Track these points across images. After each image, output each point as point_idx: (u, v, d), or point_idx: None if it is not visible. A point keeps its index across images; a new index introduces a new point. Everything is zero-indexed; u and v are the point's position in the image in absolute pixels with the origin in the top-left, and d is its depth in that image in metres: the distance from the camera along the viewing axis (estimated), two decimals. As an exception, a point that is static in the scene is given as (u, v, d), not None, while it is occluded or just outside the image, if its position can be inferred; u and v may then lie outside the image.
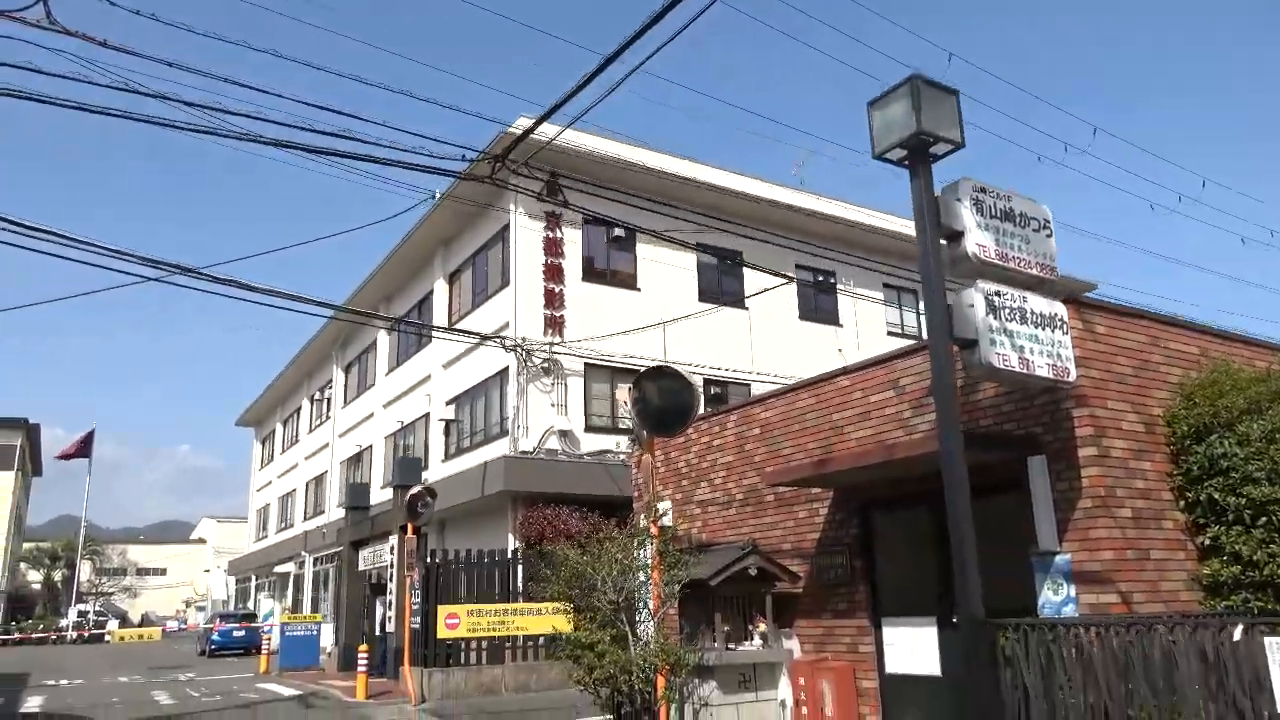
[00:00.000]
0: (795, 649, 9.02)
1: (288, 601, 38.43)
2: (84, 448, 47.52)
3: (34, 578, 65.26)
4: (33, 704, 15.83)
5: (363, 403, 32.99)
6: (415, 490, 15.46)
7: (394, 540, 16.91)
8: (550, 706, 13.49)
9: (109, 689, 18.61)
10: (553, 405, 21.63)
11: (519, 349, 21.20)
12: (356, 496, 20.23)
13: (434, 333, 24.87)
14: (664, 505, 11.47)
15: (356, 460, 33.24)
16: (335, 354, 36.45)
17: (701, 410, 9.40)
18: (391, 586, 16.76)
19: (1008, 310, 6.07)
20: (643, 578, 8.52)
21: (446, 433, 25.63)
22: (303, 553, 35.63)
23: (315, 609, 32.94)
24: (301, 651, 20.81)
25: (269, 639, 22.19)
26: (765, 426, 9.92)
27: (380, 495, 25.02)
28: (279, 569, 39.26)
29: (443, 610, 15.35)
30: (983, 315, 5.92)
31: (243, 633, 30.09)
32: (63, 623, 50.32)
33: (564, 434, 21.46)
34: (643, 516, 11.00)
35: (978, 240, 6.08)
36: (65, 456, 46.42)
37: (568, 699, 14.32)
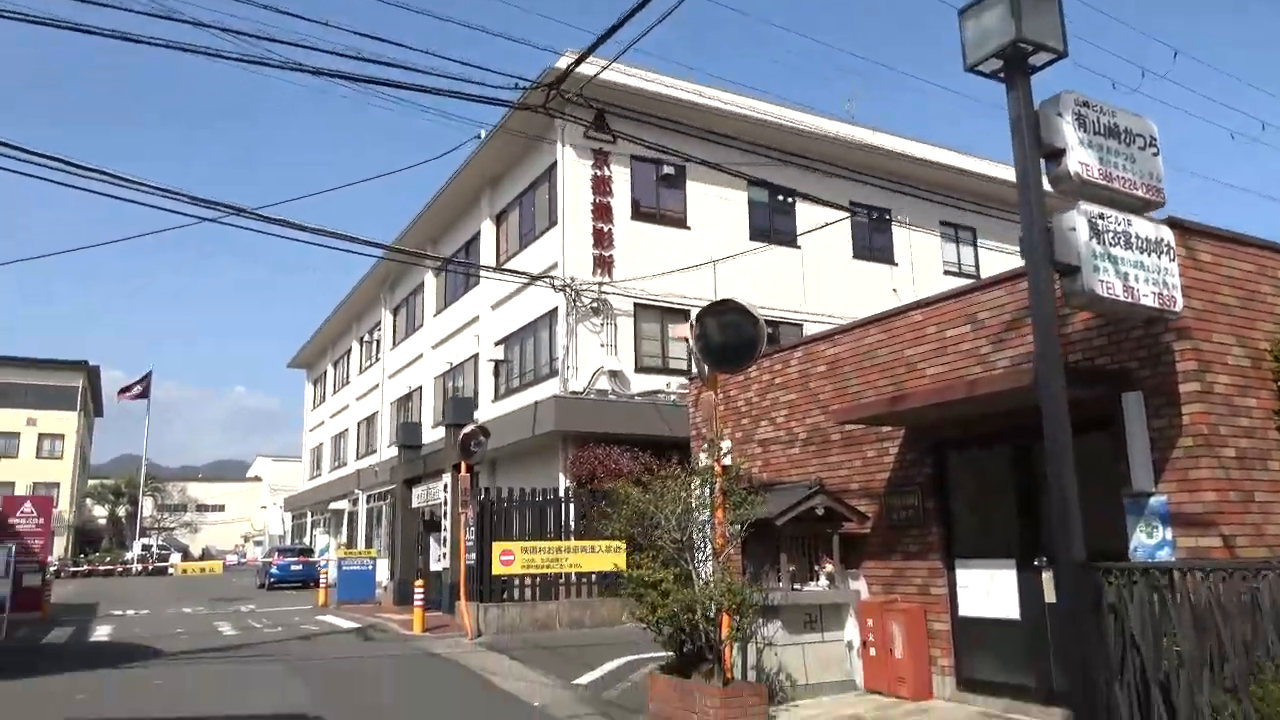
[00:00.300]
0: (862, 590, 8.80)
1: (342, 537, 39.28)
2: (143, 388, 48.63)
3: (99, 513, 67.62)
4: (102, 633, 16.30)
5: (411, 344, 33.14)
6: (469, 429, 15.42)
7: (447, 478, 16.96)
8: (605, 642, 13.52)
9: (174, 619, 19.14)
10: (602, 345, 21.44)
11: (568, 289, 20.96)
12: (409, 435, 20.33)
13: (482, 273, 24.72)
14: (724, 444, 11.23)
15: (406, 401, 33.53)
16: (383, 296, 36.60)
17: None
18: (446, 524, 16.87)
19: (1111, 234, 5.63)
20: (705, 516, 8.33)
21: (496, 373, 25.63)
22: (356, 490, 36.26)
23: (369, 544, 33.61)
24: (358, 585, 21.19)
25: (326, 573, 22.62)
26: (832, 363, 9.58)
27: (431, 435, 25.19)
28: (333, 506, 40.07)
29: (497, 547, 15.41)
30: (1085, 239, 5.48)
31: (300, 567, 30.80)
32: (128, 556, 52.18)
33: (614, 374, 21.30)
34: (704, 455, 10.78)
35: (1080, 158, 5.62)
36: (126, 391, 47.61)
37: (622, 635, 14.35)
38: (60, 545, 51.61)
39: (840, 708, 7.89)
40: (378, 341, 37.62)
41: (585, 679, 10.18)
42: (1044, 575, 7.28)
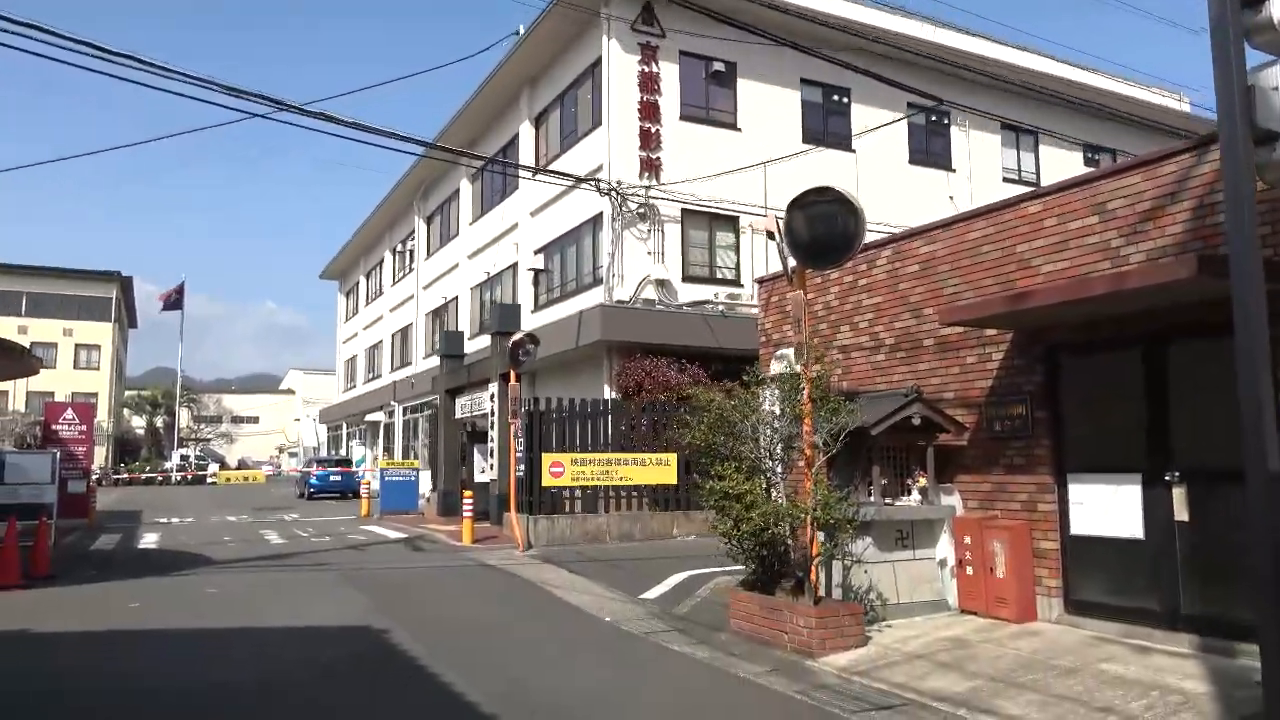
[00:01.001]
0: (956, 505, 8.20)
1: (379, 449, 39.41)
2: (178, 296, 48.60)
3: (137, 423, 68.66)
4: (149, 540, 16.19)
5: (447, 254, 32.47)
6: (518, 336, 14.83)
7: (494, 388, 16.48)
8: (659, 556, 13.14)
9: (218, 528, 19.08)
10: (649, 253, 20.66)
11: (614, 193, 20.09)
12: (451, 344, 19.82)
13: (522, 177, 23.84)
14: (792, 351, 10.56)
15: (442, 312, 33.04)
16: (417, 205, 35.79)
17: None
18: (492, 434, 16.46)
19: (1317, 96, 4.76)
20: (789, 426, 7.70)
21: (536, 283, 24.97)
22: (392, 402, 36.15)
23: (406, 456, 33.64)
24: (401, 496, 21.02)
25: (368, 484, 22.49)
26: (926, 262, 8.79)
27: (471, 346, 24.73)
28: (369, 418, 40.09)
29: (547, 458, 15.00)
30: (1290, 100, 4.62)
31: (339, 477, 30.86)
32: (167, 465, 53.02)
33: (661, 283, 20.57)
34: (776, 362, 10.12)
35: (1286, 3, 4.71)
36: (165, 301, 47.70)
37: (675, 549, 13.99)
38: (100, 455, 52.40)
39: (937, 629, 7.37)
40: (411, 251, 37.00)
41: (651, 594, 9.76)
42: (1175, 491, 6.63)
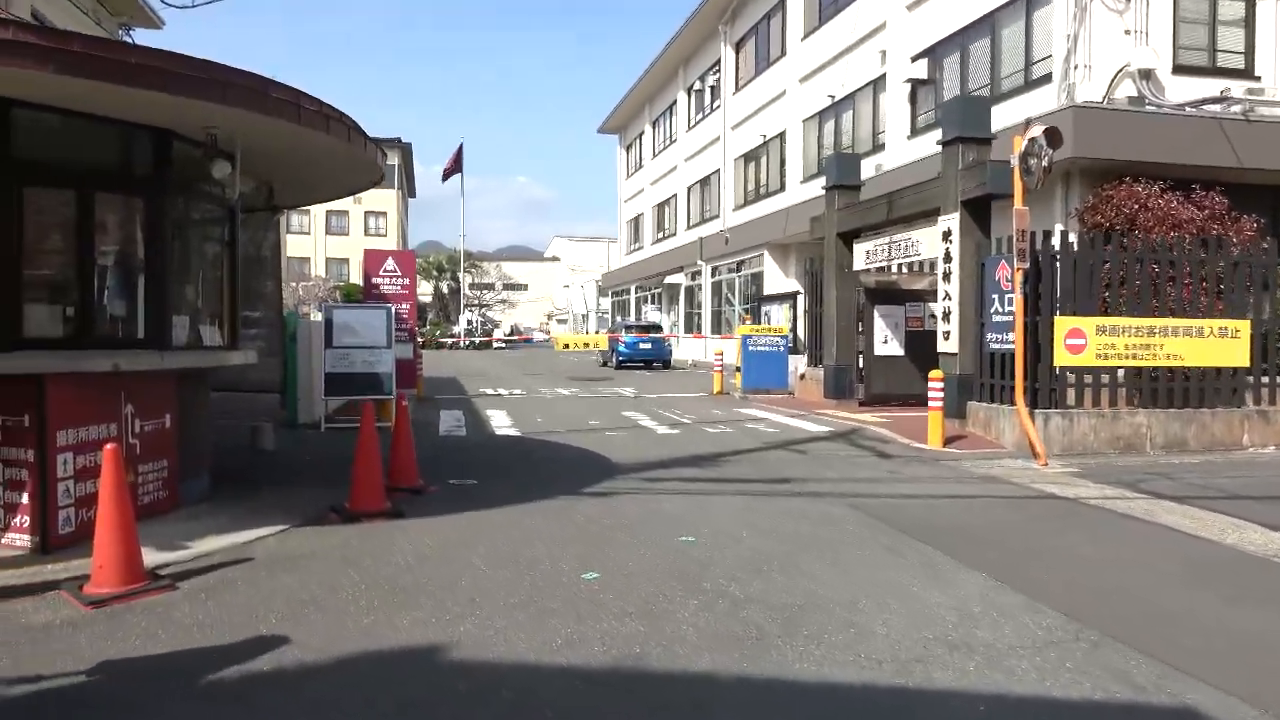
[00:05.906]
0: None
1: (678, 313, 35.86)
2: (458, 161, 46.88)
3: (424, 289, 70.25)
4: (502, 423, 12.87)
5: (765, 82, 27.17)
6: (1034, 132, 9.44)
7: (947, 222, 11.36)
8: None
9: (564, 406, 15.74)
10: (1126, 32, 14.38)
11: (1087, -60, 13.80)
12: (844, 171, 14.74)
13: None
14: None
15: (756, 155, 28.06)
16: (723, 29, 30.46)
17: None
18: (946, 288, 11.45)
19: None
20: None
21: (913, 99, 19.25)
22: (698, 261, 32.06)
23: (716, 323, 29.71)
24: (767, 371, 16.76)
25: (720, 354, 18.42)
26: None
27: (804, 191, 19.60)
28: (669, 280, 36.43)
29: (1061, 324, 9.89)
30: None
31: (649, 345, 27.40)
32: (455, 329, 53.03)
33: (1145, 75, 14.30)
34: None
35: None
36: (448, 168, 46.07)
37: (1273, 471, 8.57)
38: (395, 318, 53.23)
39: None
40: (713, 88, 31.99)
41: None
42: None
